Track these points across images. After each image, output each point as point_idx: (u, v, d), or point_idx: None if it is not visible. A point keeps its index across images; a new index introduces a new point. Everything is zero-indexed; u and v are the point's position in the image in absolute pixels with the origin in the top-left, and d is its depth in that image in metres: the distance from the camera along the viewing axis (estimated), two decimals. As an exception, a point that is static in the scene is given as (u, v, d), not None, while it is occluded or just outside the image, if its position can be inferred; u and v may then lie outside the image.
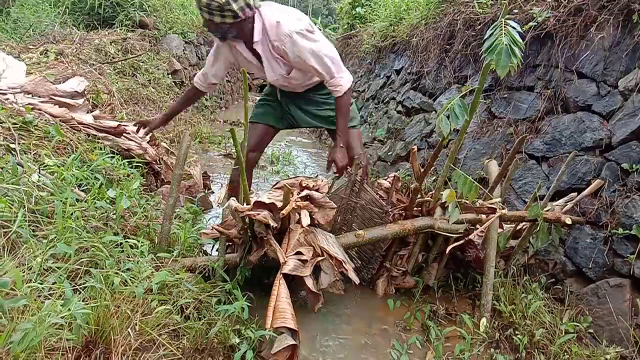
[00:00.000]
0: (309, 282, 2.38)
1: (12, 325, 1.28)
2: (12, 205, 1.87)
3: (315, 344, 2.49)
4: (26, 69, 3.86)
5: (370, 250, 2.96)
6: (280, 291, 2.23)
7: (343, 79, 2.85)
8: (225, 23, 2.61)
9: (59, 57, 4.84)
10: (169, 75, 7.08)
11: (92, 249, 1.99)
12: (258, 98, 3.33)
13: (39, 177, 2.19)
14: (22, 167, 2.17)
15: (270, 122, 3.21)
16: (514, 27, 2.01)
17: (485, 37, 2.06)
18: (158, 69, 6.64)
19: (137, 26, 7.23)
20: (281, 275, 2.29)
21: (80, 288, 1.79)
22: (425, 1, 5.78)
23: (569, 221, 2.86)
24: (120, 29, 6.88)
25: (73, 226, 1.96)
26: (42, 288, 1.54)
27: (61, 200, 2.08)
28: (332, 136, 3.34)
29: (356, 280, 2.50)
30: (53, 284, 1.63)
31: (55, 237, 1.88)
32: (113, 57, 5.87)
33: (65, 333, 1.47)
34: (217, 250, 2.69)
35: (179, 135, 5.64)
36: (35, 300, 1.43)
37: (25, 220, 1.84)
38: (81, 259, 1.91)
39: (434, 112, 5.18)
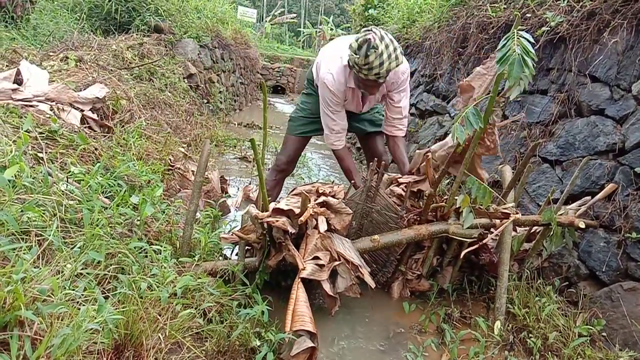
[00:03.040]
0: (326, 286, 2.44)
1: (51, 330, 1.36)
2: (44, 214, 1.96)
3: (332, 346, 2.55)
4: (48, 76, 3.97)
5: (386, 255, 3.02)
6: (299, 295, 2.30)
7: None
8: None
9: (78, 63, 4.95)
10: (185, 80, 7.18)
11: (119, 255, 2.08)
12: (299, 114, 3.49)
13: (67, 185, 2.28)
14: (52, 176, 2.26)
15: (312, 134, 3.50)
16: (526, 38, 2.05)
17: (498, 49, 2.11)
18: (174, 74, 6.74)
19: (153, 31, 7.34)
20: (299, 280, 2.36)
21: (109, 293, 1.88)
22: (438, 4, 5.81)
23: (582, 225, 2.89)
24: (137, 34, 6.98)
25: (101, 233, 2.05)
26: (76, 294, 1.62)
27: (88, 209, 2.17)
28: (363, 141, 3.61)
29: (372, 284, 2.56)
30: (84, 290, 1.71)
31: (84, 244, 1.97)
32: (130, 63, 5.97)
33: (99, 337, 1.56)
34: (236, 255, 2.77)
35: (196, 139, 5.73)
36: (70, 306, 1.51)
37: (58, 229, 1.92)
38: (109, 265, 2.00)
39: (447, 114, 5.21)
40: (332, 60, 3.01)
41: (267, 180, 3.53)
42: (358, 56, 2.64)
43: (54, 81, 4.02)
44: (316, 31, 25.84)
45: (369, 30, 2.65)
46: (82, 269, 1.84)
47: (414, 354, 2.54)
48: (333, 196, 2.77)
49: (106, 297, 1.81)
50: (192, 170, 4.22)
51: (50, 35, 6.16)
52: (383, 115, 3.37)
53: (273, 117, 10.87)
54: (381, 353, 2.56)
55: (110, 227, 2.24)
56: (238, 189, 4.93)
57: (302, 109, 3.46)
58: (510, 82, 2.04)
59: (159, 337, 1.81)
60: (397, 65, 2.72)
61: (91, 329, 1.49)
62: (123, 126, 3.95)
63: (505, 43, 2.07)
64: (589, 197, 3.06)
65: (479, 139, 2.50)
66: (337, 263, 2.51)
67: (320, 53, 3.29)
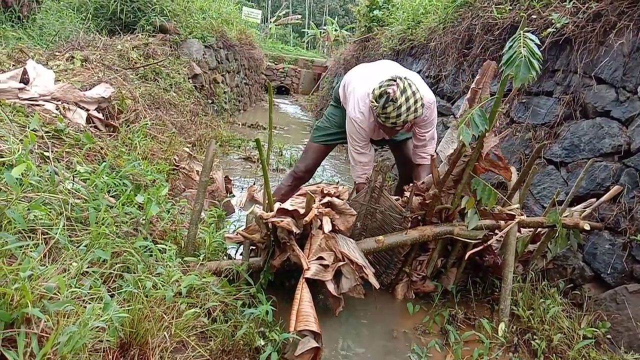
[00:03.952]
0: (331, 287, 2.45)
1: (58, 328, 1.37)
2: (51, 212, 1.97)
3: (336, 346, 2.55)
4: (54, 76, 3.99)
5: (389, 256, 3.02)
6: (303, 295, 2.30)
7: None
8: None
9: (84, 63, 4.97)
10: (190, 80, 7.20)
11: (125, 253, 2.09)
12: (325, 124, 3.55)
13: (73, 184, 2.29)
14: (58, 175, 2.27)
15: (336, 142, 3.56)
16: (532, 40, 2.05)
17: (504, 50, 2.11)
18: (179, 74, 6.77)
19: (158, 31, 7.37)
20: (304, 280, 2.36)
21: (115, 291, 1.88)
22: (443, 5, 5.80)
23: (587, 227, 2.89)
24: (142, 34, 7.01)
25: (107, 232, 2.06)
26: (82, 293, 1.63)
27: (94, 207, 2.18)
28: (395, 148, 3.70)
29: (376, 284, 2.56)
30: (90, 288, 1.72)
31: (90, 242, 1.98)
32: (135, 63, 6.00)
33: (105, 335, 1.56)
34: (241, 254, 2.77)
35: (200, 139, 5.75)
36: (76, 304, 1.52)
37: (64, 227, 1.93)
38: (115, 263, 2.00)
39: (452, 115, 5.21)
40: (361, 98, 3.05)
41: (283, 185, 3.59)
42: (377, 105, 2.72)
43: (59, 81, 4.04)
44: (320, 32, 25.84)
45: (393, 81, 2.71)
46: (88, 267, 1.85)
47: (418, 355, 2.54)
48: (337, 197, 2.77)
49: (112, 296, 1.82)
50: (196, 170, 4.23)
51: (56, 35, 6.19)
52: None
53: (277, 118, 10.89)
54: (385, 354, 2.56)
55: (116, 226, 2.25)
56: (242, 189, 4.95)
57: (328, 120, 3.53)
58: (516, 84, 2.05)
59: (164, 335, 1.81)
60: (415, 118, 2.79)
61: (97, 327, 1.50)
62: (128, 126, 3.97)
63: (512, 45, 2.07)
64: (594, 199, 3.06)
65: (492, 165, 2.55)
66: (341, 263, 2.51)
67: (350, 78, 3.30)
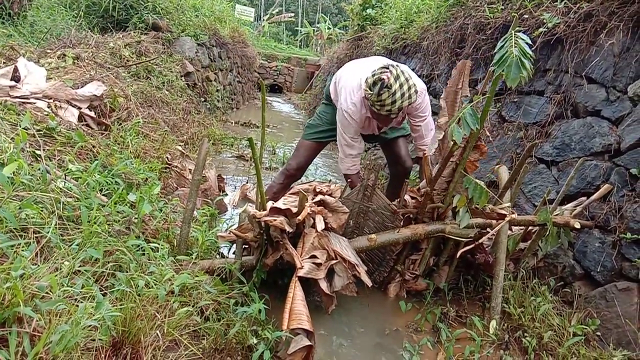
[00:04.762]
0: (323, 285, 2.45)
1: (50, 327, 1.37)
2: (42, 211, 1.96)
3: (329, 344, 2.56)
4: (46, 74, 3.96)
5: (382, 254, 3.03)
6: (296, 293, 2.30)
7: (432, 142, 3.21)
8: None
9: (76, 61, 4.94)
10: (182, 78, 7.17)
11: (117, 252, 2.08)
12: (317, 121, 3.54)
13: (65, 183, 2.28)
14: (50, 173, 2.26)
15: (327, 140, 3.55)
16: (523, 39, 2.07)
17: (496, 50, 2.12)
18: (171, 72, 6.73)
19: (151, 29, 7.32)
20: (296, 278, 2.36)
21: (107, 290, 1.88)
22: (436, 4, 5.82)
23: (577, 225, 2.91)
24: (134, 32, 6.97)
25: (99, 231, 2.05)
26: (74, 292, 1.63)
27: (86, 206, 2.17)
28: (385, 146, 3.68)
29: (369, 282, 2.58)
30: (82, 287, 1.72)
31: (82, 241, 1.97)
32: (127, 60, 5.97)
33: (97, 334, 1.56)
34: (233, 253, 2.77)
35: (193, 137, 5.73)
36: (68, 303, 1.52)
37: (56, 226, 1.92)
38: (107, 262, 2.00)
39: (444, 114, 5.22)
40: (353, 90, 3.06)
41: (274, 183, 3.58)
42: (371, 93, 2.72)
43: (51, 79, 4.01)
44: (314, 30, 25.82)
45: (386, 68, 2.72)
46: (80, 266, 1.85)
47: (410, 353, 2.56)
48: (330, 195, 2.78)
49: (104, 295, 1.82)
50: (189, 169, 4.23)
51: (48, 32, 6.14)
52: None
53: (270, 116, 10.88)
54: (377, 351, 2.57)
55: (108, 224, 2.24)
56: (235, 187, 4.94)
57: (320, 118, 3.54)
58: (509, 84, 2.06)
59: (156, 334, 1.81)
60: (409, 104, 2.80)
61: (89, 326, 1.50)
62: (120, 124, 3.95)
63: (503, 44, 2.09)
64: (584, 198, 3.08)
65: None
66: (334, 262, 2.52)
67: (340, 74, 3.31)
